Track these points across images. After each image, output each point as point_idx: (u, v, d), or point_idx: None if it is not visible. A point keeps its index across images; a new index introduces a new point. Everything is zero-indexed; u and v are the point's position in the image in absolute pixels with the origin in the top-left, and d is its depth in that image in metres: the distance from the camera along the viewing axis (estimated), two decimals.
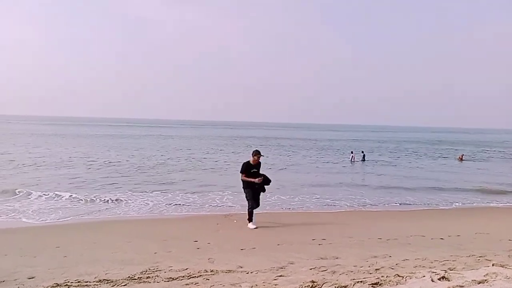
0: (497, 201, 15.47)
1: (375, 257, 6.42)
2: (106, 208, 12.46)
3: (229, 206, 13.07)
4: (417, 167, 28.95)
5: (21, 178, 17.85)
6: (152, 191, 15.37)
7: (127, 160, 27.10)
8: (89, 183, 17.11)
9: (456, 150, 46.93)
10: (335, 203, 14.33)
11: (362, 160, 30.60)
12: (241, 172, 9.38)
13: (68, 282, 5.05)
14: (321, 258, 6.33)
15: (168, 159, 29.19)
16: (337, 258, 6.37)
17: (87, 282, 5.04)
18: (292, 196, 15.00)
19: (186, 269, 5.76)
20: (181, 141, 54.43)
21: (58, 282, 5.04)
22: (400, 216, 11.92)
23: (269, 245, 7.53)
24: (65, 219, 10.74)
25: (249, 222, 9.48)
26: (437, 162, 33.26)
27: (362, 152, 32.48)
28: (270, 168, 23.83)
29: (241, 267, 5.82)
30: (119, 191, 15.32)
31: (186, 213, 11.97)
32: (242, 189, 9.55)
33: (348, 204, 14.04)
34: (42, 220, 10.59)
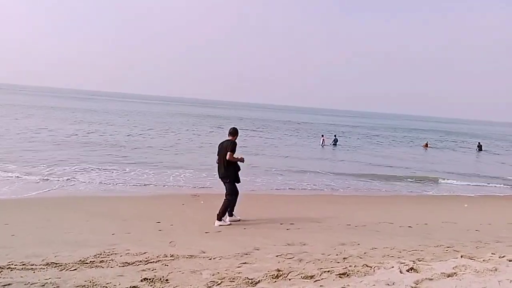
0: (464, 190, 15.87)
1: (343, 244, 6.30)
2: (65, 185, 11.90)
3: (198, 187, 12.75)
4: (389, 153, 29.44)
5: None
6: (116, 168, 14.79)
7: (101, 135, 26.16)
8: (50, 157, 16.30)
9: (423, 138, 47.88)
10: (302, 186, 14.32)
11: (333, 144, 30.37)
12: (233, 151, 7.53)
13: (12, 264, 4.64)
14: (288, 244, 6.15)
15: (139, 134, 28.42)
16: (304, 244, 6.20)
17: (33, 265, 4.64)
18: (259, 178, 14.82)
19: (145, 253, 5.44)
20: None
21: (1, 265, 4.62)
22: (369, 202, 11.96)
23: (235, 229, 7.30)
24: (18, 196, 10.12)
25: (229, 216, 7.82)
26: (402, 149, 33.99)
27: (335, 135, 32.04)
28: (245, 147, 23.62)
29: (204, 252, 5.55)
30: (81, 166, 14.65)
31: (150, 192, 11.54)
32: (231, 174, 7.66)
33: (317, 188, 14.03)
34: None
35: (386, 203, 11.85)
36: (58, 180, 12.26)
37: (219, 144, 7.81)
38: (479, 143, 37.11)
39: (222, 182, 7.79)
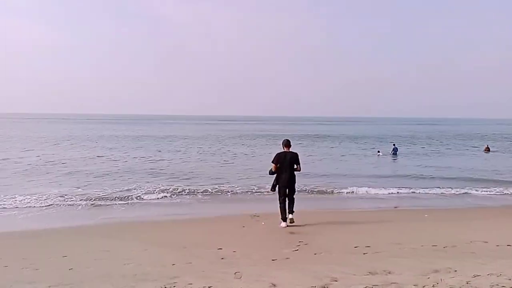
0: None
1: (437, 271, 5.45)
2: (121, 209, 11.92)
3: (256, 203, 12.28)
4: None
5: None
6: (170, 189, 14.71)
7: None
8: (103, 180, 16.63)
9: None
10: (368, 198, 13.45)
11: (392, 154, 28.97)
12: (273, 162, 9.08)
13: None
14: (370, 273, 5.40)
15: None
16: (389, 273, 5.42)
17: None
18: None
19: (209, 287, 4.95)
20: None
21: None
22: (449, 217, 10.75)
23: (305, 254, 6.64)
24: (75, 222, 10.17)
25: (282, 221, 9.05)
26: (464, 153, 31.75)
27: (394, 144, 30.61)
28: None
29: (274, 286, 4.96)
30: (135, 190, 14.70)
31: (207, 214, 11.18)
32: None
33: (383, 202, 13.08)
34: (48, 224, 10.08)
35: (469, 218, 10.60)
36: (115, 203, 12.41)
37: (281, 154, 8.97)
38: None
39: (284, 189, 8.98)
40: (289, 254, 6.62)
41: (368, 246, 7.04)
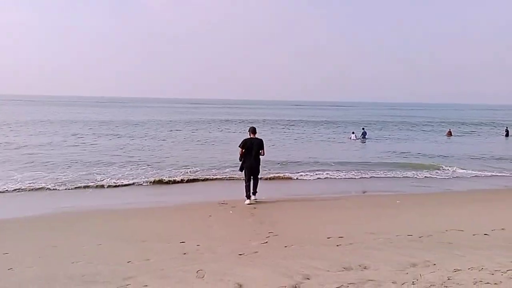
0: None
1: (415, 265, 5.14)
2: (81, 197, 11.18)
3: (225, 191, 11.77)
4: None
5: None
6: (136, 176, 13.96)
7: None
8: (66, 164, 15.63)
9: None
10: (336, 183, 13.34)
11: (362, 138, 29.30)
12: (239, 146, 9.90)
13: None
14: (345, 269, 5.02)
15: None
16: (365, 268, 5.07)
17: None
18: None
19: None
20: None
21: None
22: (418, 202, 10.58)
23: (275, 247, 6.20)
24: (26, 212, 9.34)
25: (246, 199, 9.82)
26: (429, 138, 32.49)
27: (363, 128, 31.13)
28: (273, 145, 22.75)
29: (240, 286, 4.49)
30: (101, 176, 13.88)
31: (173, 203, 10.57)
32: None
33: (351, 187, 12.91)
34: None
35: (441, 203, 10.47)
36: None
37: (247, 140, 9.78)
38: (506, 128, 35.05)
39: (250, 171, 9.82)
40: (258, 247, 6.17)
41: (341, 237, 6.69)
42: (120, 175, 13.80)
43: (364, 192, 12.97)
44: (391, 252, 5.73)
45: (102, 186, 12.41)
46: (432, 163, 17.89)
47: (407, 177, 15.14)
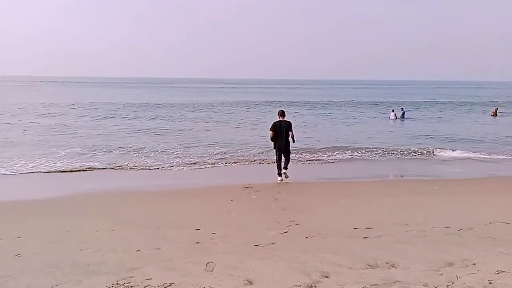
0: None
1: (451, 264, 4.57)
2: (103, 178, 11.16)
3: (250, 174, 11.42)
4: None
5: None
6: (162, 157, 13.84)
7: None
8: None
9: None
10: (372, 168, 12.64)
11: (401, 118, 28.74)
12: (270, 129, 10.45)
13: None
14: (370, 266, 4.53)
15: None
16: (393, 266, 4.55)
17: None
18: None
19: (169, 285, 4.12)
20: None
21: None
22: (461, 190, 9.76)
23: (295, 238, 5.76)
24: (46, 193, 9.36)
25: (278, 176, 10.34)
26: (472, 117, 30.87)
27: (402, 108, 30.32)
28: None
29: (250, 283, 4.11)
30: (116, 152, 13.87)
31: (196, 185, 10.31)
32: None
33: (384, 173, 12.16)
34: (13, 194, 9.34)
35: (488, 191, 9.61)
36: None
37: (277, 123, 10.32)
38: None
39: (280, 151, 10.32)
40: (276, 238, 5.75)
41: (369, 228, 6.15)
42: (152, 156, 13.78)
43: (402, 176, 12.30)
44: (425, 248, 5.17)
45: (131, 168, 12.33)
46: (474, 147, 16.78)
47: (447, 160, 14.20)
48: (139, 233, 6.15)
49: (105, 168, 12.20)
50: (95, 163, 12.63)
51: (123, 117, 27.41)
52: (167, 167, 12.55)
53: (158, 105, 37.64)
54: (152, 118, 27.33)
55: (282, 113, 10.55)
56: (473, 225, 6.28)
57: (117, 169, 12.21)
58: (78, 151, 14.50)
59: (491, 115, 32.10)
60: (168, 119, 26.98)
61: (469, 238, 5.66)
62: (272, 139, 10.38)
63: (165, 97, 52.56)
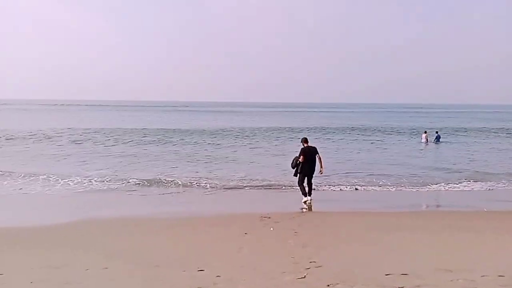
0: None
1: None
2: (113, 202, 10.58)
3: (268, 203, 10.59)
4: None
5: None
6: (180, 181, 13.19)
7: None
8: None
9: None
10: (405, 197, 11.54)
11: (436, 141, 27.43)
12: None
13: None
14: None
15: None
16: None
17: None
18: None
19: None
20: None
21: None
22: (507, 223, 8.63)
23: (313, 284, 4.87)
24: (47, 219, 8.78)
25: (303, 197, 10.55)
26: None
27: (436, 132, 29.01)
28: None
29: None
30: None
31: (207, 213, 9.57)
32: None
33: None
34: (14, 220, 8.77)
35: None
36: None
37: (306, 149, 10.66)
38: None
39: (305, 175, 10.57)
40: (292, 285, 4.88)
41: (405, 274, 5.19)
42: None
43: (437, 207, 11.19)
44: None
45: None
46: None
47: (492, 189, 12.95)
48: (134, 273, 5.39)
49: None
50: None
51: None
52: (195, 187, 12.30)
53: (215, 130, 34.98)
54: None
55: (306, 140, 10.95)
56: None
57: (133, 192, 11.72)
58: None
59: None
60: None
61: None
62: (296, 164, 10.53)
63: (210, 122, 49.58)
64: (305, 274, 5.22)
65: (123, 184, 12.63)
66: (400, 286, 4.79)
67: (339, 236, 7.42)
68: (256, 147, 23.77)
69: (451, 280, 4.98)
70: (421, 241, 7.05)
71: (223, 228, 7.96)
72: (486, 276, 5.13)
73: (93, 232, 7.61)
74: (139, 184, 12.65)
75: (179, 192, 11.96)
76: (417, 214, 9.78)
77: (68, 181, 12.66)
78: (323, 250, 6.45)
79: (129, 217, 9.09)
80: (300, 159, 10.47)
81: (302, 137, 11.28)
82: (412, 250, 6.50)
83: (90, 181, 12.73)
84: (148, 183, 12.73)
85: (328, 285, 4.85)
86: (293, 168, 10.61)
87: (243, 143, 25.64)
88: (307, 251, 6.36)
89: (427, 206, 11.11)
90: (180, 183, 12.83)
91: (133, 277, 5.23)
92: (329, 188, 12.59)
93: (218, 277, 5.11)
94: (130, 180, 13.01)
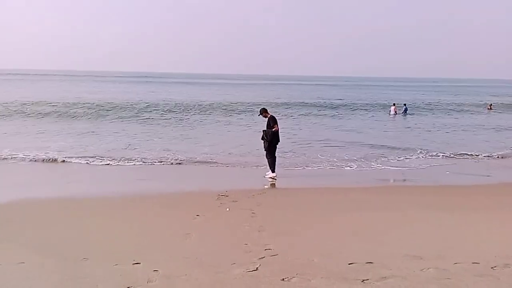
0: None
1: None
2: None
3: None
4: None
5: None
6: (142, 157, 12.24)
7: None
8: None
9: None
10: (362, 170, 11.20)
11: (403, 113, 28.31)
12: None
13: None
14: None
15: None
16: None
17: None
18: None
19: None
20: None
21: None
22: (487, 202, 8.25)
23: (266, 279, 4.18)
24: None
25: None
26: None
27: (404, 104, 29.62)
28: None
29: None
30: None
31: (162, 190, 8.75)
32: None
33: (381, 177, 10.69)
34: None
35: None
36: None
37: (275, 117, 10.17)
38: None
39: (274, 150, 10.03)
40: (240, 279, 4.18)
41: (370, 263, 4.59)
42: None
43: (404, 181, 10.76)
44: None
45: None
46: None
47: (464, 157, 12.82)
48: (55, 268, 4.54)
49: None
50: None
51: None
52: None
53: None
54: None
55: (266, 110, 10.33)
56: (510, 259, 4.73)
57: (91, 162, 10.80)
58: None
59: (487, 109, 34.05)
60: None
61: (509, 281, 4.12)
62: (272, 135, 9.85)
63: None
64: (258, 266, 4.52)
65: (79, 159, 11.63)
66: (364, 279, 4.18)
67: (299, 217, 6.76)
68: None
69: (422, 270, 4.40)
70: (388, 222, 6.49)
71: (173, 210, 7.20)
72: (459, 263, 4.60)
73: (19, 216, 6.64)
74: (94, 157, 11.69)
75: (136, 167, 11.08)
76: (383, 190, 9.33)
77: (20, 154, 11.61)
78: (281, 235, 5.76)
79: (69, 197, 8.13)
80: (276, 128, 9.86)
81: (261, 108, 10.53)
82: (378, 232, 5.91)
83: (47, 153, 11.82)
84: (104, 158, 11.78)
85: (283, 279, 4.17)
86: (267, 141, 9.81)
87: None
88: (262, 236, 5.67)
89: (394, 181, 10.64)
90: (139, 158, 11.93)
91: (54, 272, 4.39)
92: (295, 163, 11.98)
93: (155, 272, 4.34)
94: (87, 154, 12.05)
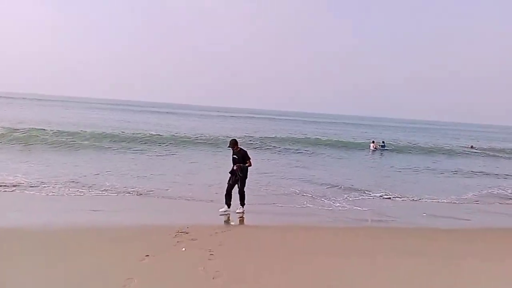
0: None
1: None
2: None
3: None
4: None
5: None
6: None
7: None
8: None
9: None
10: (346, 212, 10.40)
11: (381, 148, 30.09)
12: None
13: None
14: None
15: None
16: None
17: None
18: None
19: None
20: None
21: None
22: (460, 245, 7.72)
23: None
24: None
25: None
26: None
27: (383, 142, 31.65)
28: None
29: None
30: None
31: (116, 224, 7.89)
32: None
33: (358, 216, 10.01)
34: None
35: (492, 251, 7.56)
36: None
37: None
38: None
39: (242, 184, 9.41)
40: None
41: None
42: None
43: (379, 221, 10.10)
44: None
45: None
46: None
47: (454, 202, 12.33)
48: None
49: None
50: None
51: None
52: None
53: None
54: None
55: (236, 142, 9.76)
56: None
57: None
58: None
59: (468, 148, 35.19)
60: None
61: None
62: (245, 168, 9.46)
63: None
64: None
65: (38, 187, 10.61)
66: None
67: (264, 260, 6.01)
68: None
69: None
70: (362, 269, 5.80)
71: (121, 247, 6.33)
72: None
73: None
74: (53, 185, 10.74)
75: (94, 197, 10.16)
76: (359, 231, 8.65)
77: None
78: (238, 283, 4.99)
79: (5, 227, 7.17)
80: (250, 164, 9.48)
81: (232, 139, 9.88)
82: (353, 281, 5.22)
83: None
84: (61, 185, 10.83)
85: None
86: (241, 176, 9.29)
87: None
88: (216, 284, 4.89)
89: (367, 221, 9.94)
90: (103, 187, 11.04)
91: None
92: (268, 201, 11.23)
93: None
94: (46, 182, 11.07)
